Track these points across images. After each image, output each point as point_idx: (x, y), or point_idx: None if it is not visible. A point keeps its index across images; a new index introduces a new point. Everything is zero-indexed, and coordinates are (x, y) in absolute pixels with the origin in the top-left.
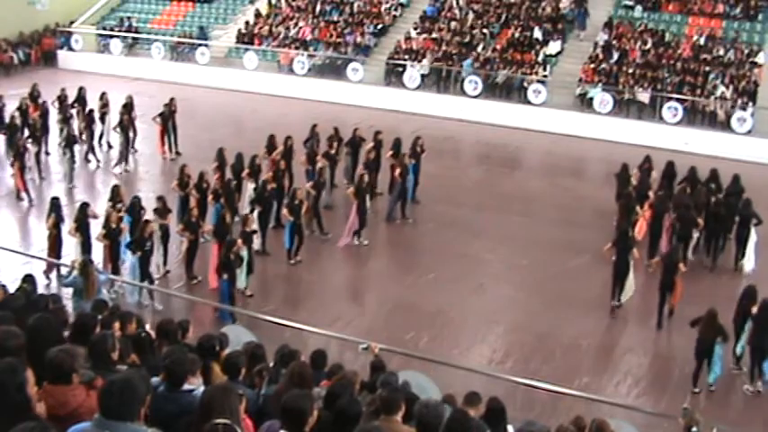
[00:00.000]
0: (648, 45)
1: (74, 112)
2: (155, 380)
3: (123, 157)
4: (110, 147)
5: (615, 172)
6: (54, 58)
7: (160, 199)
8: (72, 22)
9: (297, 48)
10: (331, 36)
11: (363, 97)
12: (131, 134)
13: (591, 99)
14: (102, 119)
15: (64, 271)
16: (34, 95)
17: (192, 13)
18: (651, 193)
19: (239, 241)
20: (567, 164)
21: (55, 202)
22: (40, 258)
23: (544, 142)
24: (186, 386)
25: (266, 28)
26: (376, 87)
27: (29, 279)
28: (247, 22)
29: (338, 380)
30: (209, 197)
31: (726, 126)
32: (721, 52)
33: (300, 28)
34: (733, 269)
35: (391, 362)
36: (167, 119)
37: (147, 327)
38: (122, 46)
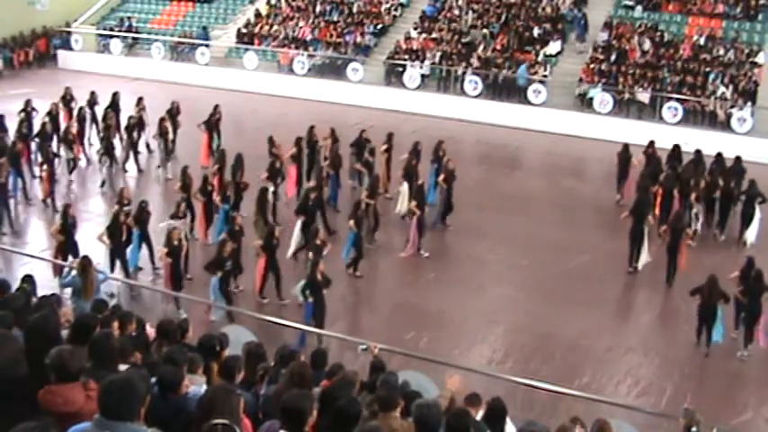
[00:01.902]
0: (648, 45)
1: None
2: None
3: (164, 164)
4: (150, 152)
5: (617, 151)
6: (49, 59)
7: (179, 204)
8: (67, 24)
9: (297, 48)
10: (331, 36)
11: (363, 97)
12: (170, 140)
13: (591, 99)
14: (140, 124)
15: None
16: (67, 100)
17: (192, 13)
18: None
19: (310, 254)
20: (567, 164)
21: (65, 209)
22: (41, 259)
23: (544, 142)
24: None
25: (266, 28)
26: (376, 87)
27: (28, 279)
28: (247, 22)
29: (338, 380)
30: (217, 199)
31: (726, 126)
32: (721, 52)
33: (300, 28)
34: (737, 242)
35: (391, 362)
36: (213, 126)
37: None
38: (122, 46)
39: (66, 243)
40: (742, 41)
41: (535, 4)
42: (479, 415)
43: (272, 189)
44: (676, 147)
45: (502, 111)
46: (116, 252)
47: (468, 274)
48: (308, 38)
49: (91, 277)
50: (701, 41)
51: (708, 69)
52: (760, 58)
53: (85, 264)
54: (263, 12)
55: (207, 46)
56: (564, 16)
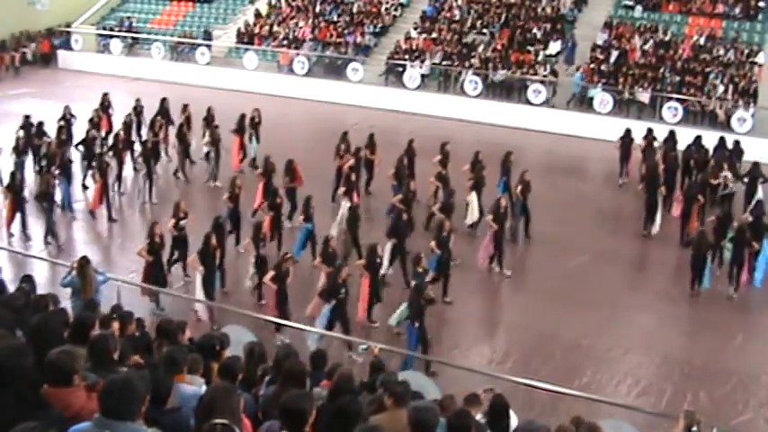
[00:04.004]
0: (648, 45)
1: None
2: None
3: (216, 172)
4: (191, 162)
5: (620, 136)
6: (48, 59)
7: (258, 227)
8: (48, 29)
9: (296, 48)
10: (331, 36)
11: (363, 97)
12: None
13: (591, 99)
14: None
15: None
16: (105, 106)
17: (192, 13)
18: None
19: (412, 282)
20: (567, 164)
21: (152, 228)
22: (42, 259)
23: (544, 142)
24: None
25: (266, 28)
26: (376, 87)
27: (28, 279)
28: (247, 23)
29: (339, 376)
30: (300, 218)
31: (726, 126)
32: (721, 52)
33: (300, 28)
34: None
35: (391, 362)
36: (247, 129)
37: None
38: (122, 46)
39: (154, 264)
40: (742, 41)
41: (535, 4)
42: (479, 414)
43: (347, 205)
44: (672, 132)
45: (502, 111)
46: (209, 278)
47: (467, 274)
48: (308, 38)
49: (89, 277)
50: (701, 41)
51: (708, 69)
52: (760, 58)
53: (83, 263)
54: (263, 12)
55: (207, 46)
56: (564, 16)
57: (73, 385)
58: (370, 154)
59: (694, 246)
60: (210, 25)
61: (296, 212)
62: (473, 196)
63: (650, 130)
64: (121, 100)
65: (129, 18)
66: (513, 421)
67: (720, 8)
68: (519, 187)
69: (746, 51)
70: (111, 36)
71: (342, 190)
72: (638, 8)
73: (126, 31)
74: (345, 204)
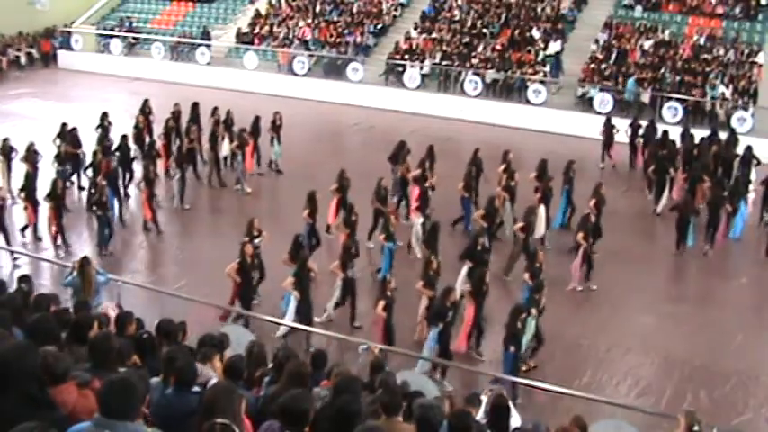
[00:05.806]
0: (648, 45)
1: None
2: (154, 380)
3: (244, 177)
4: (218, 166)
5: (603, 123)
6: (49, 60)
7: (347, 250)
8: (29, 34)
9: (293, 47)
10: (331, 36)
11: (363, 97)
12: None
13: (591, 99)
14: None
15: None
16: (146, 112)
17: (192, 13)
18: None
19: (533, 310)
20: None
21: (243, 247)
22: (42, 259)
23: (544, 142)
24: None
25: (266, 28)
26: (376, 87)
27: (26, 279)
28: (248, 22)
29: (339, 376)
30: (381, 237)
31: (726, 126)
32: (721, 52)
33: (300, 28)
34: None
35: (391, 362)
36: (277, 130)
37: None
38: (122, 46)
39: (244, 285)
40: (742, 41)
41: (535, 5)
42: (479, 414)
43: (420, 221)
44: (651, 121)
45: (502, 111)
46: (305, 303)
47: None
48: (308, 38)
49: (89, 276)
50: (701, 41)
51: (708, 69)
52: (760, 58)
53: (83, 263)
54: (263, 12)
55: (207, 46)
56: (564, 16)
57: (63, 383)
58: (430, 166)
59: (680, 209)
60: (210, 25)
61: (375, 232)
62: (541, 209)
63: (635, 119)
64: (122, 100)
65: (129, 18)
66: (516, 421)
67: (720, 8)
68: (593, 201)
69: (746, 51)
70: (111, 36)
71: (414, 205)
72: (638, 8)
73: (126, 31)
74: (418, 221)
